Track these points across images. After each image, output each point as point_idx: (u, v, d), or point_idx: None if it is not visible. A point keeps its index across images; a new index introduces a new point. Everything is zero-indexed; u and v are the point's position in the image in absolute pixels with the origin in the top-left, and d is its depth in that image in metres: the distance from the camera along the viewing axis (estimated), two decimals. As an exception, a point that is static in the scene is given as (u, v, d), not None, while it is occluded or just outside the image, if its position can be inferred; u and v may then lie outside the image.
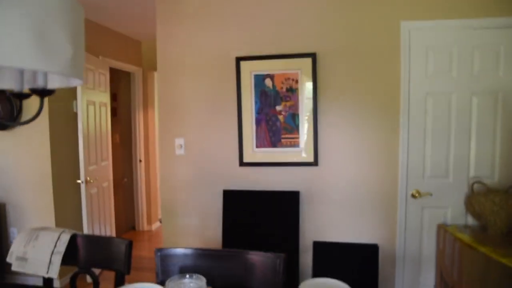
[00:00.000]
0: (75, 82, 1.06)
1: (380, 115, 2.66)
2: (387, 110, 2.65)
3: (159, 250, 1.49)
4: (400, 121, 2.62)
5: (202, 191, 2.95)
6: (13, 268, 1.67)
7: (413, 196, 2.63)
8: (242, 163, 2.88)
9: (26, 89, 0.99)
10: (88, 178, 3.38)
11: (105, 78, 3.88)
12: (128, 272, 1.62)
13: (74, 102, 3.47)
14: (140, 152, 5.02)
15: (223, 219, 2.84)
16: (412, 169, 2.63)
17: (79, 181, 3.35)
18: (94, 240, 1.70)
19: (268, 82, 2.81)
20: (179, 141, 2.96)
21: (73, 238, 1.71)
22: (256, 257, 1.41)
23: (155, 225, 5.31)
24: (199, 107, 2.92)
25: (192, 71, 2.91)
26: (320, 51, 2.72)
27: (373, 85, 2.65)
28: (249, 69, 2.83)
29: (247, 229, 2.80)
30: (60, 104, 3.39)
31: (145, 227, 5.19)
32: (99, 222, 3.62)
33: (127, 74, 4.94)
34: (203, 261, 1.46)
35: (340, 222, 2.76)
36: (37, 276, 1.69)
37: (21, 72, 1.08)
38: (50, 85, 1.10)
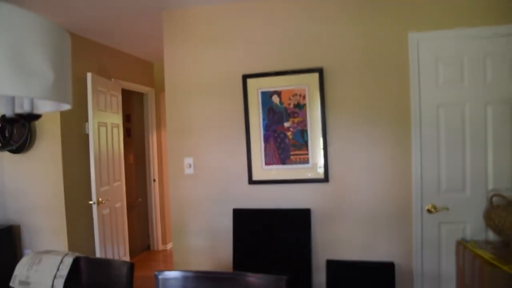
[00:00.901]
0: (64, 106, 1.06)
1: (391, 129, 2.59)
2: (398, 123, 2.58)
3: (160, 273, 1.46)
4: (412, 134, 2.55)
5: (211, 210, 2.92)
6: (17, 292, 1.66)
7: (429, 211, 2.52)
8: (251, 181, 2.84)
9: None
10: (100, 199, 3.40)
11: (117, 99, 3.94)
12: (130, 296, 1.59)
13: (86, 124, 3.53)
14: (154, 172, 5.05)
15: (233, 238, 2.79)
16: (427, 183, 2.53)
17: (91, 202, 3.37)
18: (96, 263, 1.68)
19: (275, 98, 2.79)
20: (188, 160, 2.96)
21: (76, 261, 1.70)
22: (257, 280, 1.36)
23: (170, 245, 5.29)
24: (207, 126, 2.92)
25: (199, 91, 2.93)
26: (327, 65, 2.69)
27: (383, 98, 2.60)
28: (256, 86, 2.82)
29: (258, 248, 2.74)
30: (72, 126, 3.45)
31: (160, 246, 5.18)
32: (112, 242, 3.62)
33: (140, 95, 5.02)
34: (203, 284, 1.42)
35: (353, 240, 2.67)
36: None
37: (12, 98, 1.08)
38: (41, 110, 1.11)
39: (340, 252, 2.70)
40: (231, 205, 2.87)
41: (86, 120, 3.51)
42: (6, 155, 3.44)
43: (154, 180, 5.05)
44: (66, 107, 1.06)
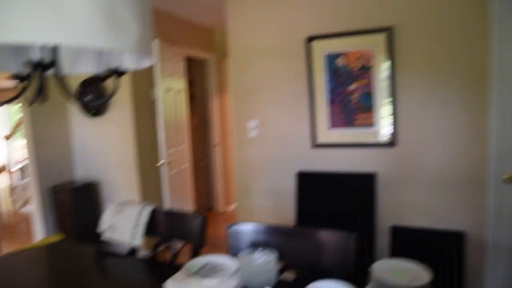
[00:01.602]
0: (146, 63, 1.12)
1: (466, 90, 2.40)
2: (475, 84, 2.38)
3: (232, 225, 1.53)
4: (490, 96, 2.35)
5: (275, 172, 2.97)
6: (103, 236, 1.85)
7: (508, 180, 2.35)
8: (315, 145, 2.84)
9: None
10: (168, 160, 3.60)
11: (182, 65, 4.06)
12: (203, 245, 1.70)
13: (154, 89, 3.70)
14: (216, 136, 5.22)
15: (296, 201, 2.84)
16: (507, 151, 2.34)
17: (160, 163, 3.58)
18: (171, 214, 1.81)
19: (340, 60, 2.70)
20: (252, 123, 3.01)
21: (153, 212, 1.84)
22: (328, 236, 1.38)
23: (232, 207, 5.51)
24: (271, 89, 2.93)
25: (263, 53, 2.92)
26: (397, 24, 2.53)
27: (458, 58, 2.40)
28: (320, 48, 2.74)
29: (321, 210, 2.76)
30: (141, 92, 3.65)
31: (222, 208, 5.41)
32: (178, 202, 3.86)
33: (202, 61, 5.12)
34: (273, 238, 1.47)
35: (420, 206, 2.59)
36: (124, 245, 1.85)
37: (99, 55, 1.16)
38: (125, 67, 1.18)
39: (405, 218, 2.64)
40: (294, 167, 2.90)
41: (153, 86, 3.68)
42: (86, 119, 3.75)
43: (217, 144, 5.22)
44: (148, 63, 1.11)
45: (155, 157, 3.76)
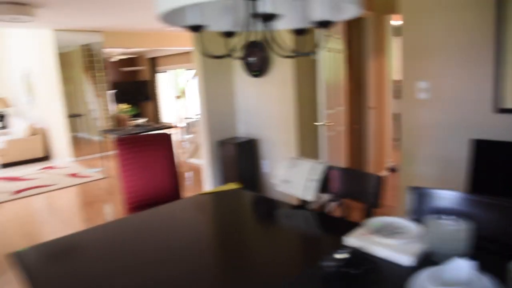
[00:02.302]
0: (350, 12, 1.09)
1: None
2: None
3: (415, 188, 1.45)
4: None
5: (444, 139, 2.71)
6: (277, 188, 1.98)
7: None
8: (499, 110, 2.45)
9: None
10: (326, 122, 3.62)
11: (341, 25, 3.94)
12: (377, 206, 1.66)
13: (314, 50, 3.69)
14: (371, 99, 5.00)
15: (471, 172, 2.53)
16: None
17: (318, 123, 3.63)
18: (348, 173, 1.82)
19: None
20: (422, 85, 2.77)
21: (328, 169, 1.88)
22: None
23: (384, 172, 5.30)
24: (446, 46, 2.61)
25: (439, 4, 2.60)
26: None
27: None
28: (520, -8, 2.28)
29: (501, 187, 2.41)
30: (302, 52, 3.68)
31: (374, 173, 5.24)
32: (332, 163, 3.88)
33: (360, 20, 4.87)
34: (462, 207, 1.34)
35: None
36: (295, 198, 1.95)
37: (303, 9, 1.18)
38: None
39: None
40: (468, 135, 2.58)
41: (313, 47, 3.67)
42: (249, 79, 4.02)
43: (372, 108, 5.02)
44: (351, 14, 1.08)
45: (312, 117, 3.82)
